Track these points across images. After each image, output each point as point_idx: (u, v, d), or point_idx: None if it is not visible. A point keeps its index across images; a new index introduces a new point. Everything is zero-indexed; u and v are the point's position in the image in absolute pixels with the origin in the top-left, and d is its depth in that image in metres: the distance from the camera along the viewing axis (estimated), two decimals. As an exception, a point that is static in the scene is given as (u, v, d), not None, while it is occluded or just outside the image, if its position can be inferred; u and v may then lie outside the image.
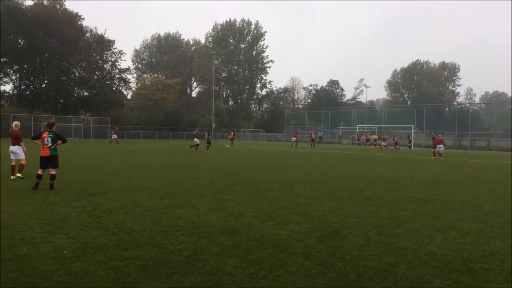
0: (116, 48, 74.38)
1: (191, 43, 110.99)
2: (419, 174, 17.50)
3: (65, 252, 5.40)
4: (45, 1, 66.20)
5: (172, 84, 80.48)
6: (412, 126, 55.20)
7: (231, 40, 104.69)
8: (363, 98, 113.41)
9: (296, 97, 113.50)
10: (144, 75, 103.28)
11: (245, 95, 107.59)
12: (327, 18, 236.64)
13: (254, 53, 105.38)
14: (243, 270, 4.86)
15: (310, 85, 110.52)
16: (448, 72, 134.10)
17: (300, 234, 6.60)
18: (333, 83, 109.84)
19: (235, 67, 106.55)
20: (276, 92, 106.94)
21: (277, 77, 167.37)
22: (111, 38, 73.95)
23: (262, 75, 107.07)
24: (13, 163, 12.67)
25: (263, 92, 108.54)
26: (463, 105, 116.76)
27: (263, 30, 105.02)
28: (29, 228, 6.58)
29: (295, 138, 47.21)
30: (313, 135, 50.42)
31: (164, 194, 10.34)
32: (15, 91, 68.15)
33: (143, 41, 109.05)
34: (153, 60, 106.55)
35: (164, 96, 77.40)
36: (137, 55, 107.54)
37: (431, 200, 10.36)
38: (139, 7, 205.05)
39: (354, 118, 68.33)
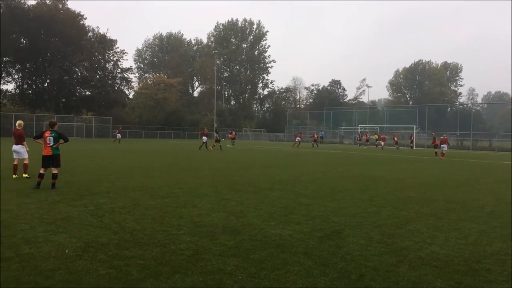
0: (118, 47, 74.64)
1: (193, 42, 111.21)
2: (421, 174, 17.48)
3: (66, 251, 5.41)
4: (48, 1, 66.38)
5: (174, 84, 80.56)
6: (414, 126, 55.13)
7: (233, 40, 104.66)
8: (365, 98, 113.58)
9: (298, 97, 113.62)
10: (146, 75, 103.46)
11: (247, 95, 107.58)
12: (329, 18, 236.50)
13: (256, 52, 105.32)
14: (244, 270, 4.86)
15: (312, 85, 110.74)
16: (450, 72, 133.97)
17: (301, 234, 6.59)
18: (335, 83, 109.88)
19: (237, 67, 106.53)
20: (278, 92, 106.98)
21: (279, 77, 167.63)
22: (113, 37, 74.23)
23: (264, 75, 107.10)
24: (15, 163, 12.69)
25: (265, 92, 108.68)
26: (465, 105, 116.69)
27: (265, 30, 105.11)
28: (31, 227, 6.59)
29: (299, 138, 47.70)
30: (316, 135, 50.54)
31: (165, 193, 10.34)
32: (18, 91, 68.34)
33: (145, 41, 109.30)
34: (155, 59, 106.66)
35: (166, 95, 77.51)
36: (139, 54, 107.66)
37: (432, 200, 10.35)
38: (141, 7, 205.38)
39: (356, 118, 68.31)
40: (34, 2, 65.29)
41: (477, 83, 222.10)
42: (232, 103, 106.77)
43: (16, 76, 67.89)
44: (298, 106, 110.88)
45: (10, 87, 69.29)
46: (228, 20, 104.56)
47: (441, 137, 30.40)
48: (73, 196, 9.61)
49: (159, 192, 10.55)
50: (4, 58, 63.48)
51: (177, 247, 5.70)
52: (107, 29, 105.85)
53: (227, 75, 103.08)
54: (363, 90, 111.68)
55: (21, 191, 10.10)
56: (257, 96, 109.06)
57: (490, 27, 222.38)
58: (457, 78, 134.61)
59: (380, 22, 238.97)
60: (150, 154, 26.90)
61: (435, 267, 5.14)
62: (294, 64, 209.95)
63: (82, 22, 69.68)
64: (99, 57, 72.90)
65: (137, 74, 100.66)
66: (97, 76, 72.15)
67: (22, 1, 63.85)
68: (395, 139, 48.80)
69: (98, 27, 75.05)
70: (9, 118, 51.53)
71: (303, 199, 10.05)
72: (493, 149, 49.41)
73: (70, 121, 60.79)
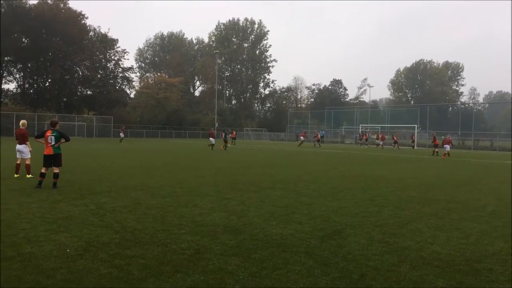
0: (119, 47, 74.68)
1: (194, 42, 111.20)
2: (422, 174, 17.46)
3: (68, 250, 5.41)
4: (49, 0, 66.40)
5: (175, 83, 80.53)
6: (416, 125, 55.07)
7: (234, 39, 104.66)
8: (366, 98, 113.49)
9: (299, 97, 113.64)
10: (147, 74, 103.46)
11: (248, 94, 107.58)
12: (331, 17, 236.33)
13: (257, 52, 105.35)
14: (245, 269, 4.86)
15: (313, 85, 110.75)
16: (452, 71, 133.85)
17: (302, 234, 6.59)
18: (336, 83, 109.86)
19: (238, 66, 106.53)
20: (279, 92, 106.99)
21: (280, 76, 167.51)
22: (114, 37, 74.04)
23: (265, 74, 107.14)
24: (18, 162, 12.72)
25: (266, 92, 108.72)
26: (466, 105, 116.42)
27: (266, 30, 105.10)
28: (32, 227, 6.60)
29: (302, 137, 48.33)
30: (319, 135, 51.07)
31: (166, 193, 10.35)
32: (19, 90, 68.41)
33: (146, 40, 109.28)
34: (156, 59, 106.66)
35: (167, 95, 77.49)
36: (140, 54, 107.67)
37: (434, 200, 10.34)
38: (142, 6, 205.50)
39: (357, 117, 68.25)
40: (35, 2, 65.43)
41: (478, 83, 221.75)
42: (233, 103, 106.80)
43: (17, 76, 68.03)
44: (299, 105, 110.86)
45: (11, 86, 69.46)
46: (230, 20, 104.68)
47: (445, 138, 30.53)
48: (74, 195, 9.62)
49: (160, 191, 10.55)
50: (6, 58, 63.55)
51: (178, 246, 5.71)
52: (109, 29, 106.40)
53: (228, 74, 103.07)
54: (365, 90, 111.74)
55: (22, 190, 10.12)
56: (258, 96, 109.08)
57: (491, 26, 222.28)
58: (458, 77, 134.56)
59: (381, 22, 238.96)
60: (151, 153, 26.91)
61: (437, 267, 5.13)
62: (295, 63, 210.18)
63: (83, 21, 69.71)
64: (101, 56, 72.93)
65: (138, 74, 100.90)
66: (99, 76, 72.20)
67: (24, 1, 63.93)
68: (394, 138, 49.11)
69: (99, 26, 75.29)
70: (11, 118, 51.60)
71: (304, 198, 10.05)
72: (494, 148, 49.33)
73: (71, 120, 60.84)
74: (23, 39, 65.42)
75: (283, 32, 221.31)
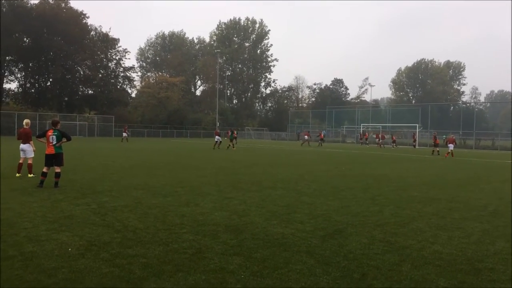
0: (120, 46, 74.73)
1: (196, 41, 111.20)
2: (424, 173, 17.44)
3: (69, 249, 5.42)
4: (50, 0, 66.41)
5: (176, 83, 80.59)
6: (417, 125, 55.03)
7: (236, 39, 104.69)
8: (367, 97, 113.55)
9: (300, 96, 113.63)
10: (149, 74, 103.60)
11: (249, 94, 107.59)
12: (332, 16, 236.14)
13: (258, 51, 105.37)
14: (247, 269, 4.86)
15: (314, 84, 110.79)
16: (453, 71, 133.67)
17: (304, 233, 6.59)
18: (338, 82, 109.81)
19: (240, 66, 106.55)
20: (280, 91, 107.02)
21: (281, 75, 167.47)
22: (115, 36, 74.06)
23: (267, 74, 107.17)
24: (20, 161, 12.74)
25: (267, 91, 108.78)
26: (468, 104, 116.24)
27: (267, 29, 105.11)
28: (33, 226, 6.61)
29: (307, 137, 48.64)
30: (322, 134, 51.37)
31: (168, 192, 10.35)
32: (20, 89, 68.47)
33: (147, 40, 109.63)
34: (157, 58, 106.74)
35: (169, 94, 77.55)
36: (142, 53, 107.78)
37: (435, 199, 10.33)
38: (144, 6, 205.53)
39: (359, 117, 68.17)
40: (36, 1, 65.46)
41: (480, 82, 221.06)
42: (234, 102, 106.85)
43: (19, 75, 68.10)
44: (300, 105, 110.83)
45: (13, 86, 69.52)
46: (231, 19, 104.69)
47: (447, 137, 30.59)
48: (75, 194, 9.63)
49: (162, 190, 10.56)
50: (7, 57, 63.63)
51: (179, 245, 5.71)
52: (110, 28, 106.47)
53: (229, 74, 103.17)
54: (366, 89, 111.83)
55: (24, 189, 10.13)
56: (259, 95, 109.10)
57: (493, 26, 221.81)
58: (460, 77, 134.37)
59: (382, 21, 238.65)
60: (152, 153, 26.92)
61: (438, 266, 5.13)
62: (297, 63, 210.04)
63: (84, 21, 69.76)
64: (102, 56, 72.97)
65: (139, 73, 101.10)
66: (100, 75, 72.25)
67: (25, 0, 63.96)
68: (393, 137, 49.45)
69: (100, 26, 75.47)
70: (12, 117, 51.68)
71: (306, 197, 10.05)
72: (496, 148, 49.27)
73: (72, 120, 60.89)
74: (25, 39, 65.47)
75: (284, 32, 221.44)
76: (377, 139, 48.61)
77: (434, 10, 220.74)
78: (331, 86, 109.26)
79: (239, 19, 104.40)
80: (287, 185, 12.33)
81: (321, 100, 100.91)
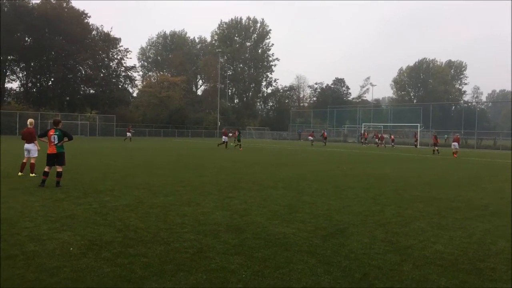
0: (122, 46, 74.66)
1: (197, 41, 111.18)
2: (425, 173, 17.42)
3: (71, 249, 5.42)
4: (52, -1, 66.51)
5: (178, 82, 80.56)
6: (418, 124, 54.96)
7: (237, 38, 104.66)
8: (369, 97, 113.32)
9: (301, 95, 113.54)
10: (150, 73, 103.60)
11: (250, 93, 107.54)
12: (334, 16, 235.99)
13: (259, 51, 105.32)
14: (248, 268, 4.86)
15: (316, 83, 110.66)
16: (455, 70, 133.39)
17: (305, 233, 6.59)
18: (339, 81, 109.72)
19: (241, 65, 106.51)
20: (281, 90, 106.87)
21: (282, 75, 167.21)
22: (117, 36, 74.16)
23: (268, 73, 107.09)
24: (24, 161, 12.77)
25: (269, 90, 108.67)
26: (469, 104, 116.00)
27: (268, 28, 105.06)
28: (35, 225, 6.62)
29: (311, 137, 49.26)
30: (325, 134, 51.61)
31: (169, 191, 10.36)
32: (22, 89, 68.54)
33: (149, 39, 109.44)
34: (158, 58, 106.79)
35: (170, 94, 77.52)
36: (143, 53, 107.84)
37: (437, 199, 10.32)
38: (145, 6, 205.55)
39: (360, 116, 68.11)
40: (38, 1, 65.43)
41: (481, 82, 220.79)
42: (235, 101, 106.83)
43: (20, 75, 68.12)
44: (301, 104, 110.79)
45: (14, 85, 69.64)
46: (232, 19, 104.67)
47: (454, 136, 30.99)
48: (77, 194, 9.64)
49: (163, 190, 10.56)
50: (9, 57, 63.69)
51: (181, 245, 5.71)
52: (111, 28, 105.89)
53: (230, 73, 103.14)
54: (367, 89, 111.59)
55: (25, 189, 10.15)
56: (260, 95, 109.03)
57: (494, 25, 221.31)
58: (461, 76, 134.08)
59: (384, 21, 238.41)
60: (154, 152, 26.93)
61: (440, 266, 5.12)
62: (298, 62, 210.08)
63: (86, 20, 69.71)
64: (103, 55, 72.95)
65: (141, 73, 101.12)
66: (101, 75, 72.22)
67: (26, 0, 64.00)
68: (392, 137, 49.76)
69: (102, 25, 75.50)
70: (14, 117, 51.74)
71: (307, 197, 10.04)
72: (497, 147, 49.21)
73: (74, 119, 60.92)
74: (26, 38, 65.50)
75: (286, 31, 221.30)
76: (377, 139, 48.85)
77: (436, 10, 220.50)
78: (332, 86, 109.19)
79: (241, 18, 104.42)
80: (288, 184, 12.32)
81: (323, 100, 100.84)
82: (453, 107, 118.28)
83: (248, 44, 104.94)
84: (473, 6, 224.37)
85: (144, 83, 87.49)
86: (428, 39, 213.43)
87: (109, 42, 72.70)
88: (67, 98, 71.38)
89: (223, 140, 34.85)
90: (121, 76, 76.82)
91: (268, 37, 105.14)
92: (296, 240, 6.12)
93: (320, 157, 26.06)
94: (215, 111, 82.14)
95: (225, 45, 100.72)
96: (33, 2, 65.05)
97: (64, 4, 67.03)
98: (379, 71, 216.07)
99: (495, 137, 56.06)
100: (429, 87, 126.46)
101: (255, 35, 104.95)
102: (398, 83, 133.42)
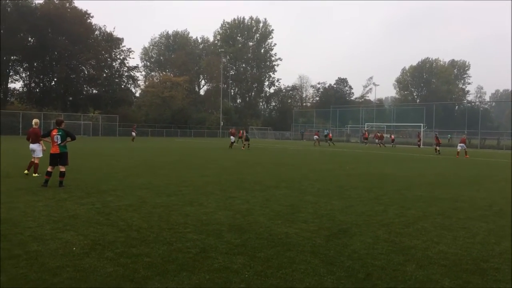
0: (124, 46, 74.77)
1: (199, 41, 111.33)
2: (428, 172, 17.37)
3: (74, 248, 5.43)
4: (55, -1, 66.68)
5: (180, 82, 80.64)
6: (422, 124, 54.82)
7: (239, 38, 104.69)
8: (371, 96, 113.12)
9: (304, 95, 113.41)
10: (153, 73, 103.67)
11: (253, 93, 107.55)
12: (336, 16, 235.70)
13: (262, 51, 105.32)
14: (251, 268, 4.85)
15: (318, 83, 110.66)
16: (458, 70, 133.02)
17: (308, 233, 6.57)
18: (342, 81, 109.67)
19: (243, 65, 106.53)
20: (284, 90, 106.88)
21: (285, 75, 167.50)
22: (119, 36, 74.23)
23: (270, 73, 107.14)
24: (32, 160, 12.85)
25: (271, 90, 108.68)
26: (473, 104, 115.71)
27: (271, 28, 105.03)
28: (38, 225, 6.63)
29: (316, 137, 49.32)
30: (330, 134, 51.66)
31: (172, 191, 10.36)
32: (25, 89, 68.74)
33: (151, 39, 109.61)
34: (161, 58, 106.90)
35: (172, 94, 77.61)
36: (146, 53, 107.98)
37: (440, 199, 10.28)
38: (147, 6, 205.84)
39: (363, 116, 67.98)
40: (41, 1, 65.67)
41: (485, 81, 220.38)
42: (238, 101, 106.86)
43: (23, 75, 68.34)
44: (304, 104, 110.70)
45: (17, 85, 69.84)
46: (235, 18, 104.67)
47: (461, 137, 31.14)
48: (80, 194, 9.65)
49: (166, 190, 10.57)
50: (12, 57, 63.91)
51: (183, 245, 5.71)
52: (114, 28, 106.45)
53: (233, 73, 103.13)
54: (370, 88, 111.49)
55: (29, 189, 10.17)
56: (263, 94, 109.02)
57: (497, 25, 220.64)
58: (465, 76, 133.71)
59: (386, 21, 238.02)
60: (157, 152, 26.96)
61: (443, 266, 5.10)
62: (300, 62, 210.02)
63: (89, 20, 69.88)
64: (106, 55, 73.07)
65: (143, 73, 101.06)
66: (104, 75, 72.35)
67: (29, 0, 64.18)
68: (392, 137, 49.72)
69: (105, 25, 75.66)
70: (17, 117, 51.89)
71: (310, 197, 10.03)
72: (501, 147, 49.05)
73: (77, 119, 61.07)
74: (29, 38, 65.70)
75: (288, 31, 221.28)
76: (376, 139, 48.89)
77: (438, 10, 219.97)
78: (335, 86, 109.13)
79: (243, 18, 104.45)
80: (291, 184, 12.31)
81: (325, 100, 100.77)
82: (457, 106, 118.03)
83: (250, 44, 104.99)
84: (475, 6, 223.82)
85: (146, 83, 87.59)
86: (431, 38, 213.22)
87: (112, 42, 72.83)
88: (70, 98, 71.55)
89: (231, 140, 35.26)
90: (124, 76, 77.00)
91: (270, 37, 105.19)
92: (299, 240, 6.11)
93: (322, 157, 26.02)
94: (217, 111, 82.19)
95: (227, 45, 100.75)
96: (36, 2, 65.38)
97: (67, 4, 67.23)
98: (382, 71, 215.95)
99: (499, 137, 55.86)
100: (432, 87, 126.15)
101: (258, 35, 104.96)
102: (401, 83, 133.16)
